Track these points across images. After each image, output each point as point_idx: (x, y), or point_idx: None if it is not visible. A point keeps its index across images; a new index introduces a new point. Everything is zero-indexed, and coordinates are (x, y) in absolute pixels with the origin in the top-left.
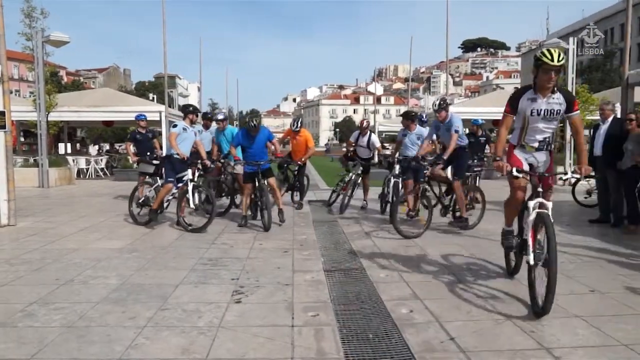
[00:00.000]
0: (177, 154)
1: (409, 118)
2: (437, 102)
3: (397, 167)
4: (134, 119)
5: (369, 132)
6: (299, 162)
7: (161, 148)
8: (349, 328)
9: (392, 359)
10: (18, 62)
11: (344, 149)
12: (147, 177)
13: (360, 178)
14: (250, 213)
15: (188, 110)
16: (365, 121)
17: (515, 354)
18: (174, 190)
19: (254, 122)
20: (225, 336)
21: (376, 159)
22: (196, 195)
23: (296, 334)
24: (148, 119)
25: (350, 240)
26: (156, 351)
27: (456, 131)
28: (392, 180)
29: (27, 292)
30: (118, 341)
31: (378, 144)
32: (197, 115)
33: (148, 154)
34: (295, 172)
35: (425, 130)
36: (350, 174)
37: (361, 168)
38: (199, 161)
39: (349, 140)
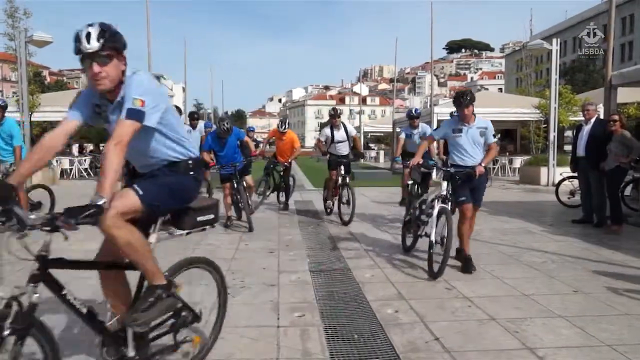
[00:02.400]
0: None
1: (412, 117)
2: (466, 96)
3: (445, 184)
4: None
5: (341, 123)
6: (285, 163)
7: None
8: (334, 328)
9: (377, 359)
10: (1, 62)
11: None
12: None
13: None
14: (234, 214)
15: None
16: (333, 109)
17: (499, 354)
18: None
19: (226, 125)
20: None
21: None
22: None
23: (282, 335)
24: None
25: (336, 241)
26: None
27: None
28: (436, 205)
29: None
30: None
31: (355, 132)
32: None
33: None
34: (281, 173)
35: (428, 128)
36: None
37: (343, 169)
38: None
39: (319, 140)
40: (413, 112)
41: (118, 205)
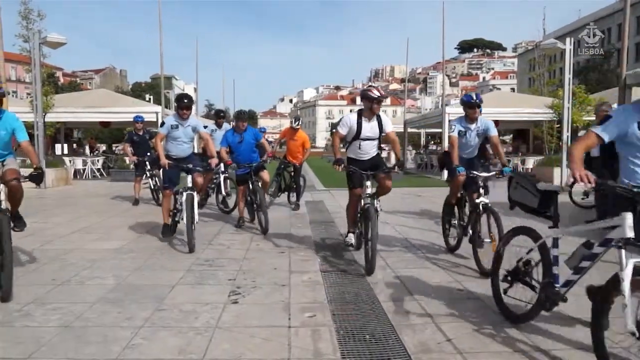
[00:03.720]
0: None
1: (472, 106)
2: None
3: (630, 218)
4: (132, 119)
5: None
6: (296, 164)
7: None
8: (345, 329)
9: None
10: (15, 63)
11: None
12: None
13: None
14: (247, 216)
15: (181, 104)
16: (377, 90)
17: (511, 356)
18: (182, 199)
19: (244, 113)
20: (221, 337)
21: (392, 158)
22: (228, 182)
23: (293, 335)
24: (145, 119)
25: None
26: (153, 351)
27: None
28: (624, 260)
29: (24, 292)
30: (115, 341)
31: (391, 128)
32: (188, 109)
33: (148, 154)
34: (292, 173)
35: (490, 123)
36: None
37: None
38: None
39: (337, 138)
40: (473, 97)
41: None
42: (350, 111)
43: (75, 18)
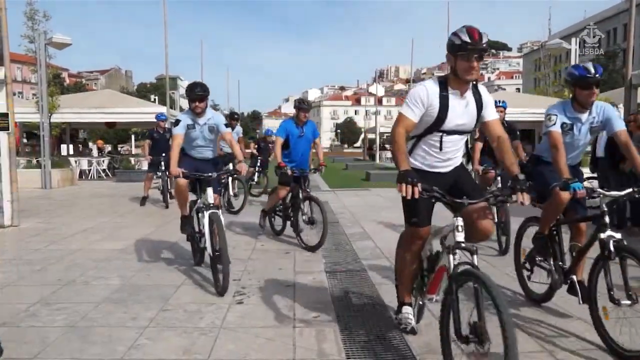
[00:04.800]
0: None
1: (588, 84)
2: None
3: None
4: (137, 120)
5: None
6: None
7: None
8: (350, 329)
9: None
10: (21, 64)
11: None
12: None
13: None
14: (277, 226)
15: (192, 95)
16: (476, 31)
17: None
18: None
19: (307, 103)
20: (226, 337)
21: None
22: (236, 183)
23: (297, 335)
24: (149, 120)
25: (352, 242)
26: (158, 352)
27: None
28: None
29: (30, 293)
30: (120, 341)
31: (495, 113)
32: (202, 101)
33: (163, 155)
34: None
35: (612, 111)
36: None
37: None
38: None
39: (401, 129)
40: (591, 70)
41: None
42: (355, 112)
43: (80, 18)
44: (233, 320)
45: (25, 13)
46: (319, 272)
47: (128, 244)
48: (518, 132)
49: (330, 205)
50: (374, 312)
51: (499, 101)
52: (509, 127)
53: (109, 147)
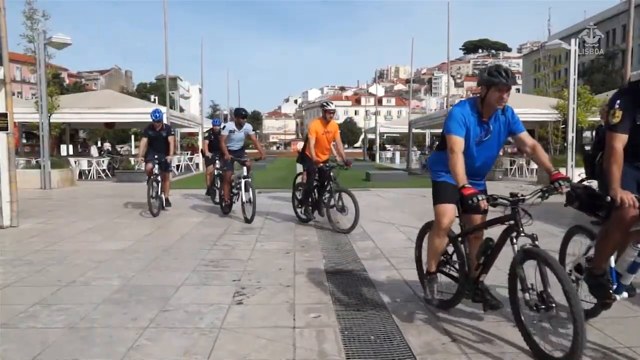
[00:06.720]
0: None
1: None
2: None
3: None
4: (135, 120)
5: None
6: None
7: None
8: (350, 329)
9: None
10: (20, 64)
11: None
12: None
13: None
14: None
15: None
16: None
17: (517, 356)
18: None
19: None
20: (226, 337)
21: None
22: (250, 191)
23: (298, 336)
24: (149, 120)
25: (352, 242)
26: (158, 352)
27: None
28: None
29: (29, 293)
30: (120, 342)
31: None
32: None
33: (156, 156)
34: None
35: None
36: None
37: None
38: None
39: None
40: None
41: None
42: (355, 112)
43: (79, 18)
44: (233, 321)
45: (24, 12)
46: (319, 273)
47: (128, 244)
48: None
49: None
50: (374, 312)
51: None
52: None
53: (108, 147)
